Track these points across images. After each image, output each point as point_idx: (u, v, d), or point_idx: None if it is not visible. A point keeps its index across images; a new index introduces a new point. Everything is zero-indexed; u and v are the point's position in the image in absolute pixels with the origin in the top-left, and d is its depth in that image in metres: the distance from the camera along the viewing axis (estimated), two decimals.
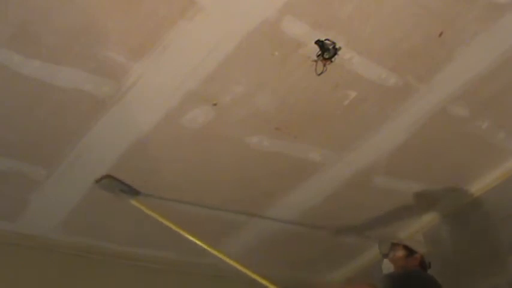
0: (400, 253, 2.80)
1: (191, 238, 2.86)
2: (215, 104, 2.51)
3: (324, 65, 2.36)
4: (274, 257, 3.82)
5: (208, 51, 2.26)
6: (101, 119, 2.48)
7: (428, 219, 3.65)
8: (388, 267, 2.79)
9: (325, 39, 2.27)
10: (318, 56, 2.32)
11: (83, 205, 2.96)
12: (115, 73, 2.28)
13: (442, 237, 3.57)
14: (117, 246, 3.37)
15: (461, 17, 2.29)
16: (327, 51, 2.29)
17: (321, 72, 2.38)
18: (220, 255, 2.83)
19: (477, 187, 3.43)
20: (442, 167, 3.23)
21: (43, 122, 2.45)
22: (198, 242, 2.85)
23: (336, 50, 2.31)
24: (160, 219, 2.85)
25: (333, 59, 2.33)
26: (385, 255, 2.85)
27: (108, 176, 2.77)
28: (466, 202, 3.49)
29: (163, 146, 2.71)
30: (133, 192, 2.88)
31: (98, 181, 2.79)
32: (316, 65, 2.36)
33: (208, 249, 2.83)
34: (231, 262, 2.81)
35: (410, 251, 2.80)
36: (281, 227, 3.49)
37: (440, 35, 2.34)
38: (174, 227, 2.85)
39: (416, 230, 3.69)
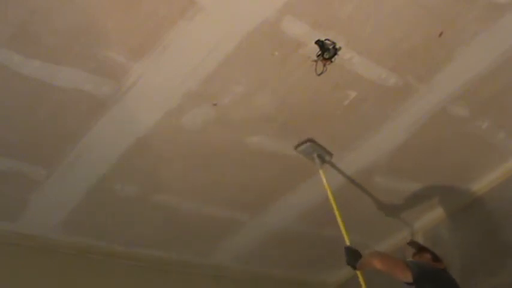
0: (428, 256, 2.82)
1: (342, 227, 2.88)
2: (215, 104, 2.51)
3: (324, 65, 2.36)
4: (274, 257, 3.82)
5: (208, 51, 2.26)
6: (101, 119, 2.48)
7: (429, 219, 3.65)
8: None
9: (325, 39, 2.27)
10: (318, 56, 2.32)
11: (83, 205, 2.96)
12: (115, 73, 2.28)
13: (442, 237, 3.57)
14: (117, 246, 3.37)
15: (461, 17, 2.29)
16: (327, 51, 2.29)
17: (321, 72, 2.38)
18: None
19: (477, 187, 3.43)
20: (442, 167, 3.24)
21: (43, 122, 2.45)
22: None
23: (336, 50, 2.31)
24: (331, 196, 2.90)
25: (333, 59, 2.33)
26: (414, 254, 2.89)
27: (309, 140, 2.82)
28: (466, 202, 3.49)
29: (163, 145, 2.71)
30: (327, 156, 2.93)
31: (297, 146, 2.84)
32: (316, 65, 2.36)
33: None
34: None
35: (435, 257, 2.82)
36: (281, 227, 3.50)
37: (440, 35, 2.34)
38: (336, 210, 2.89)
39: (416, 230, 3.70)
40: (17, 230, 3.07)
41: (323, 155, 2.92)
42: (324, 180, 2.92)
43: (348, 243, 2.83)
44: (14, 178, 2.71)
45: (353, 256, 2.75)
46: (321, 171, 2.93)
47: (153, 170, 2.86)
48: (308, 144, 2.84)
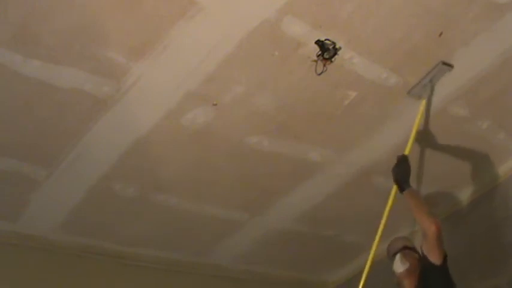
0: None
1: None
2: (215, 104, 2.51)
3: (324, 65, 2.36)
4: (274, 257, 3.82)
5: (208, 51, 2.26)
6: (101, 119, 2.48)
7: None
8: (400, 265, 2.71)
9: (325, 39, 2.27)
10: (318, 56, 2.32)
11: (83, 205, 2.97)
12: (115, 73, 2.28)
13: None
14: (117, 246, 3.38)
15: (461, 17, 2.29)
16: (327, 51, 2.29)
17: (321, 72, 2.38)
18: None
19: (477, 187, 3.43)
20: (442, 167, 3.23)
21: (43, 122, 2.45)
22: None
23: (336, 50, 2.31)
24: (415, 130, 2.67)
25: (333, 59, 2.33)
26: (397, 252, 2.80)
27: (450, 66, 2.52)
28: (466, 202, 3.49)
29: (163, 145, 2.71)
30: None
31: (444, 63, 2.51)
32: (316, 65, 2.36)
33: None
34: None
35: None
36: (281, 227, 3.50)
37: (440, 35, 2.34)
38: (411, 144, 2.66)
39: (416, 230, 3.69)
40: (17, 230, 3.08)
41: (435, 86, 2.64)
42: (421, 112, 2.68)
43: (407, 153, 2.63)
44: (14, 178, 2.71)
45: (406, 172, 2.57)
46: (424, 101, 2.68)
47: (153, 170, 2.86)
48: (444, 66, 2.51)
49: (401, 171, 2.61)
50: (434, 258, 2.51)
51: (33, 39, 2.08)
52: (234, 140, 2.75)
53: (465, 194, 3.47)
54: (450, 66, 2.54)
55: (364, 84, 2.53)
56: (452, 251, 3.43)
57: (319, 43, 2.27)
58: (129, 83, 2.34)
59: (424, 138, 2.93)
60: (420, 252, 2.64)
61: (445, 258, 2.53)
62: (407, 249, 2.74)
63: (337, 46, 2.30)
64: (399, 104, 2.71)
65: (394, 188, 2.65)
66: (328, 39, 2.27)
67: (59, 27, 2.06)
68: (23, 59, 2.14)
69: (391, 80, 2.54)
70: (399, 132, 2.90)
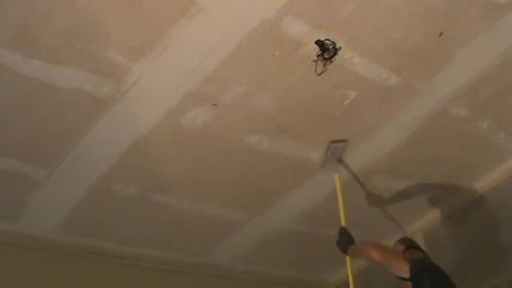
0: (419, 254, 2.73)
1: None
2: (215, 104, 2.51)
3: (324, 65, 2.36)
4: (274, 257, 3.82)
5: (208, 51, 2.26)
6: (101, 119, 2.48)
7: (428, 219, 3.65)
8: None
9: (325, 39, 2.27)
10: (318, 56, 2.32)
11: (82, 205, 2.97)
12: (115, 73, 2.28)
13: (442, 237, 3.57)
14: (117, 246, 3.38)
15: (461, 17, 2.29)
16: (327, 51, 2.29)
17: (321, 72, 2.38)
18: None
19: (477, 187, 3.43)
20: (442, 167, 3.23)
21: (43, 122, 2.45)
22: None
23: (336, 50, 2.31)
24: (341, 203, 2.91)
25: (333, 59, 2.33)
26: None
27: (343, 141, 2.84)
28: (466, 202, 3.49)
29: (163, 145, 2.71)
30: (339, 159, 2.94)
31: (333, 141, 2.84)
32: (316, 65, 2.36)
33: None
34: None
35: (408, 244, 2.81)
36: (281, 227, 3.50)
37: (440, 35, 2.34)
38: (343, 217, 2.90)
39: (416, 230, 3.69)
40: (17, 230, 3.08)
41: (341, 157, 2.95)
42: (338, 188, 2.95)
43: (343, 224, 2.89)
44: (14, 178, 2.71)
45: (346, 239, 2.78)
46: (336, 176, 2.97)
47: (153, 170, 2.86)
48: (339, 144, 2.85)
49: (342, 240, 2.83)
50: (401, 272, 2.44)
51: (33, 39, 2.08)
52: (234, 140, 2.75)
53: (465, 194, 3.47)
54: (343, 141, 2.84)
55: (364, 84, 2.53)
56: (452, 251, 3.45)
57: (319, 43, 2.27)
58: (129, 83, 2.34)
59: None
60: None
61: (411, 267, 2.43)
62: (410, 250, 2.74)
63: (337, 46, 2.30)
64: (399, 105, 2.71)
65: (347, 258, 2.87)
66: (328, 39, 2.27)
67: (59, 27, 2.06)
68: (23, 59, 2.14)
69: (391, 80, 2.54)
70: (399, 132, 2.90)
